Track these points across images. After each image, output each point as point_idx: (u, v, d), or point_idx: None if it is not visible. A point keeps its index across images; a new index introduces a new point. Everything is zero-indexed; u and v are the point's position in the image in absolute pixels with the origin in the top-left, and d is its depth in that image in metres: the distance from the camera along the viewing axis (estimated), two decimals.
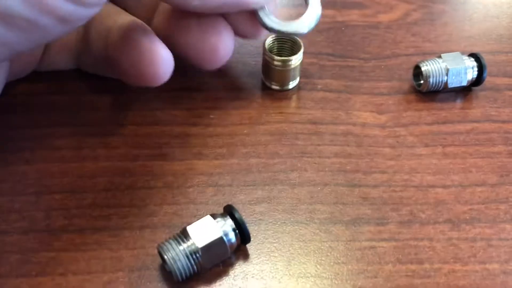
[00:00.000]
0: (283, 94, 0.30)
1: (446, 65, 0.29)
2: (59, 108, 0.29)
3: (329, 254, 0.23)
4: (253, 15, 0.26)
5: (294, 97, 0.30)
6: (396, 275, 0.23)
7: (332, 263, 0.23)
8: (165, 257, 0.21)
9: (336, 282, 0.23)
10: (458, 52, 0.30)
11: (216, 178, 0.26)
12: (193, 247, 0.21)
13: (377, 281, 0.23)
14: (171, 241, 0.22)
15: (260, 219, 0.24)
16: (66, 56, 0.29)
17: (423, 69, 0.29)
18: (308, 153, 0.27)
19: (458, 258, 0.23)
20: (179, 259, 0.21)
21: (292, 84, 0.30)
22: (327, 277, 0.23)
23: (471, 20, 0.36)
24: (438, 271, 0.23)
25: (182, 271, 0.21)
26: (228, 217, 0.22)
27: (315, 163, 0.27)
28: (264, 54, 0.29)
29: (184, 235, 0.22)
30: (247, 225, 0.22)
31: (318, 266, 0.23)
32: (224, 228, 0.22)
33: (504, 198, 0.26)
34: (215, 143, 0.28)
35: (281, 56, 0.29)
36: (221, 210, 0.23)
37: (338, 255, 0.23)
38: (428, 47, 0.34)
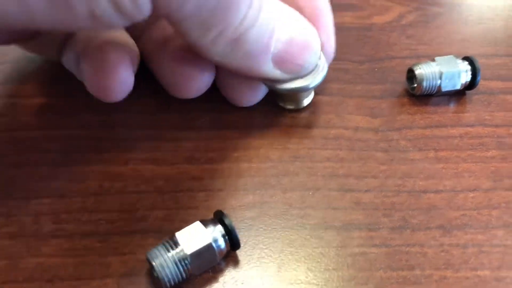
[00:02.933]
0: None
1: (439, 69, 0.29)
2: (49, 111, 0.29)
3: (319, 260, 0.23)
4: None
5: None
6: (387, 282, 0.23)
7: (322, 270, 0.23)
8: (153, 263, 0.21)
9: None
10: (452, 56, 0.30)
11: (207, 183, 0.26)
12: (181, 253, 0.21)
13: (368, 287, 0.22)
14: (159, 247, 0.21)
15: (250, 225, 0.24)
16: (52, 43, 0.28)
17: (416, 72, 0.29)
18: (300, 157, 0.27)
19: (449, 265, 0.23)
20: (167, 266, 0.21)
21: (307, 101, 0.29)
22: (318, 283, 0.22)
23: (466, 22, 0.36)
24: (429, 278, 0.23)
25: (171, 277, 0.21)
26: (218, 223, 0.22)
27: (307, 167, 0.27)
28: None
29: (173, 242, 0.21)
30: (238, 230, 0.22)
31: (309, 273, 0.23)
32: (213, 234, 0.22)
33: (496, 204, 0.25)
34: (207, 147, 0.27)
35: None
36: (211, 215, 0.23)
37: (328, 262, 0.23)
38: (423, 50, 0.33)
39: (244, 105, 0.28)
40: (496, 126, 0.29)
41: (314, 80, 0.26)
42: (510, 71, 0.32)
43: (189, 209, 0.25)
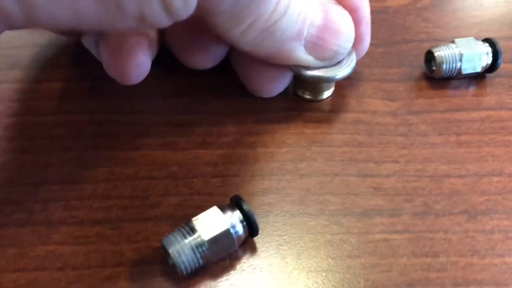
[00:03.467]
0: None
1: (460, 51, 0.28)
2: (58, 96, 0.28)
3: (340, 247, 0.22)
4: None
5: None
6: (411, 269, 0.22)
7: (343, 257, 0.22)
8: (169, 250, 0.20)
9: (349, 276, 0.22)
10: (472, 37, 0.29)
11: (221, 168, 0.25)
12: (199, 239, 0.20)
13: (392, 275, 0.22)
14: (175, 233, 0.21)
15: (268, 211, 0.23)
16: None
17: (436, 54, 0.28)
18: (317, 142, 0.26)
19: (475, 251, 0.22)
20: (184, 252, 0.20)
21: (326, 94, 0.28)
22: (339, 271, 0.22)
23: (482, 5, 0.35)
24: (455, 264, 0.22)
25: (187, 264, 0.20)
26: (235, 208, 0.21)
27: (325, 152, 0.26)
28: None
29: (189, 227, 0.21)
30: (255, 217, 0.21)
31: (330, 260, 0.22)
32: (231, 220, 0.21)
33: None
34: (220, 131, 0.26)
35: None
36: (227, 201, 0.22)
37: (350, 248, 0.22)
38: (439, 33, 0.32)
39: (265, 96, 0.27)
40: None
41: (341, 71, 0.25)
42: None
43: (203, 195, 0.24)
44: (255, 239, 0.22)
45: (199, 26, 0.25)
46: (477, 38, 0.29)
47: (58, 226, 0.23)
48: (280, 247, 0.22)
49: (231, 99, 0.28)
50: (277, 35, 0.22)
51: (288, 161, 0.25)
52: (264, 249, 0.22)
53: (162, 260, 0.22)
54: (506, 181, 0.25)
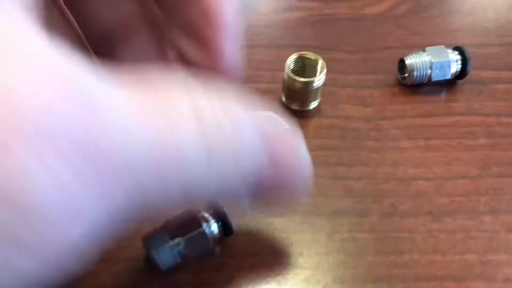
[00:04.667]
0: (268, 87, 0.30)
1: (430, 59, 0.30)
2: None
3: (310, 245, 0.24)
4: None
5: (278, 90, 0.30)
6: (375, 266, 0.23)
7: (313, 255, 0.24)
8: (150, 248, 0.22)
9: (317, 272, 0.23)
10: (442, 46, 0.30)
11: None
12: (176, 240, 0.22)
13: (357, 271, 0.23)
14: (155, 233, 0.22)
15: (243, 212, 0.25)
16: None
17: (407, 62, 0.30)
18: None
19: (437, 249, 0.24)
20: (163, 250, 0.22)
21: (313, 105, 0.29)
22: (308, 267, 0.23)
23: (459, 13, 0.36)
24: (417, 262, 0.23)
25: (166, 262, 0.22)
26: (210, 209, 0.23)
27: None
28: (285, 74, 0.28)
29: (167, 228, 0.22)
30: (230, 217, 0.23)
31: (300, 257, 0.23)
32: (206, 220, 0.22)
33: (484, 190, 0.26)
34: None
35: (302, 76, 0.28)
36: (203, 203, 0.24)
37: (319, 247, 0.24)
38: (415, 40, 0.34)
39: None
40: (486, 115, 0.30)
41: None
42: (501, 60, 0.33)
43: None
44: (231, 238, 0.24)
45: None
46: (448, 46, 0.30)
47: None
48: (255, 246, 0.24)
49: None
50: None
51: None
52: (239, 248, 0.24)
53: (144, 257, 0.23)
54: (470, 184, 0.26)
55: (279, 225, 0.24)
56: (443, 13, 0.36)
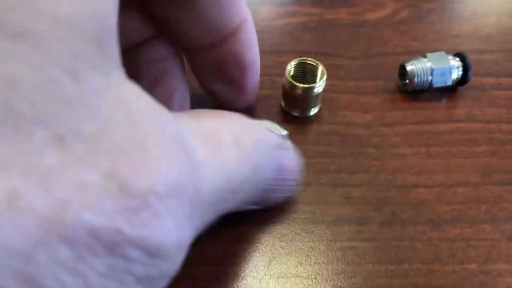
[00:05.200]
0: (268, 93, 0.30)
1: (431, 65, 0.29)
2: None
3: (310, 254, 0.24)
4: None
5: (278, 96, 0.30)
6: (375, 275, 0.23)
7: (312, 263, 0.23)
8: None
9: (316, 282, 0.23)
10: (443, 52, 0.30)
11: None
12: None
13: (357, 281, 0.23)
14: None
15: (241, 219, 0.25)
16: None
17: (408, 69, 0.30)
18: None
19: (437, 258, 0.24)
20: None
21: (313, 111, 0.29)
22: (308, 277, 0.23)
23: (459, 19, 0.36)
24: (417, 271, 0.23)
25: None
26: None
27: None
28: (285, 80, 0.28)
29: None
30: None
31: (299, 266, 0.23)
32: None
33: (485, 198, 0.26)
34: None
35: (303, 82, 0.28)
36: None
37: (319, 255, 0.24)
38: (415, 46, 0.34)
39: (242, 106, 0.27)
40: (487, 121, 0.29)
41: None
42: (502, 67, 0.32)
43: None
44: (229, 246, 0.24)
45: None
46: (449, 52, 0.30)
47: None
48: (252, 254, 0.24)
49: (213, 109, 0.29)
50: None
51: None
52: (237, 256, 0.23)
53: None
54: (470, 191, 0.26)
55: (278, 234, 0.24)
56: (443, 19, 0.36)
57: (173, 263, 0.15)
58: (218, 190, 0.17)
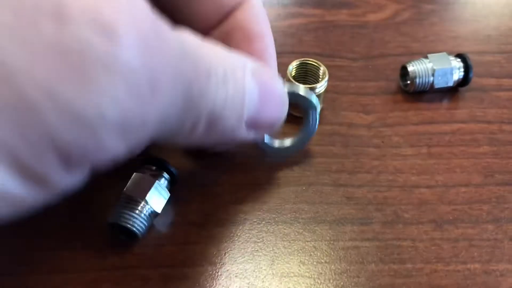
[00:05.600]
0: None
1: (432, 66, 0.29)
2: None
3: (312, 253, 0.24)
4: None
5: None
6: (378, 275, 0.23)
7: (315, 263, 0.23)
8: (122, 221, 0.23)
9: (319, 281, 0.23)
10: (444, 53, 0.30)
11: (201, 178, 0.26)
12: (140, 203, 0.23)
13: (359, 280, 0.23)
14: (118, 208, 0.23)
15: (244, 219, 0.25)
16: None
17: (409, 69, 0.30)
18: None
19: (440, 258, 0.24)
20: (135, 218, 0.23)
21: None
22: (310, 276, 0.23)
23: (460, 20, 0.36)
24: (420, 271, 0.23)
25: (141, 227, 0.23)
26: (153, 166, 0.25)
27: (301, 162, 0.27)
28: (286, 80, 0.28)
29: (125, 198, 0.23)
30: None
31: (302, 266, 0.23)
32: (155, 175, 0.24)
33: (487, 199, 0.26)
34: None
35: (304, 83, 0.28)
36: (205, 209, 0.24)
37: (321, 255, 0.24)
38: (416, 47, 0.34)
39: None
40: (488, 122, 0.29)
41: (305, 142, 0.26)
42: (503, 68, 0.33)
43: (183, 203, 0.25)
44: (232, 245, 0.24)
45: None
46: (451, 53, 0.30)
47: (45, 233, 0.24)
48: (255, 253, 0.24)
49: None
50: (219, 127, 0.20)
51: (266, 171, 0.26)
52: (240, 255, 0.23)
53: (144, 264, 0.23)
54: (472, 192, 0.26)
55: (281, 233, 0.24)
56: (444, 20, 0.36)
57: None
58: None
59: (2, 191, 0.14)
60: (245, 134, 0.22)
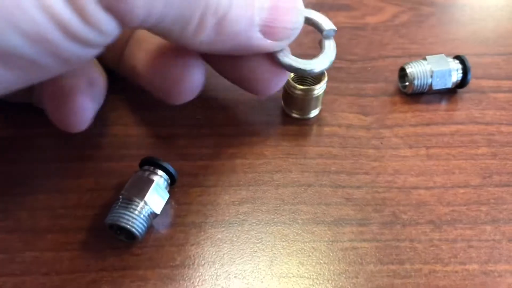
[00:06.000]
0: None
1: (430, 67, 0.30)
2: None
3: (311, 254, 0.24)
4: (270, 57, 0.25)
5: (279, 98, 0.30)
6: (377, 276, 0.23)
7: (314, 264, 0.23)
8: (121, 221, 0.22)
9: (318, 282, 0.23)
10: (442, 54, 0.30)
11: (200, 179, 0.26)
12: (140, 204, 0.23)
13: (358, 281, 0.23)
14: (117, 209, 0.23)
15: (243, 220, 0.25)
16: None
17: (408, 71, 0.30)
18: (293, 154, 0.27)
19: (438, 259, 0.24)
20: (135, 218, 0.23)
21: (313, 113, 0.29)
22: (309, 277, 0.23)
23: (458, 22, 0.36)
24: (419, 272, 0.23)
25: (141, 228, 0.23)
26: (151, 166, 0.24)
27: (300, 164, 0.27)
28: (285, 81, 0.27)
29: (125, 199, 0.23)
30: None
31: (300, 266, 0.23)
32: (155, 174, 0.24)
33: (485, 200, 0.26)
34: (201, 143, 0.28)
35: (303, 84, 0.28)
36: (204, 210, 0.24)
37: (320, 256, 0.24)
38: (415, 49, 0.34)
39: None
40: (487, 124, 0.29)
41: (320, 64, 0.25)
42: (501, 70, 0.33)
43: (183, 204, 0.25)
44: (231, 246, 0.24)
45: (168, 58, 0.24)
46: (449, 55, 0.31)
47: (44, 234, 0.24)
48: (254, 254, 0.24)
49: (213, 113, 0.29)
50: (229, 28, 0.21)
51: (265, 172, 0.27)
52: (238, 256, 0.23)
53: (143, 265, 0.23)
54: (471, 193, 0.26)
55: (279, 234, 0.24)
56: (442, 23, 0.36)
57: None
58: None
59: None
60: (260, 40, 0.22)
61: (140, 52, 0.26)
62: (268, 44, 0.23)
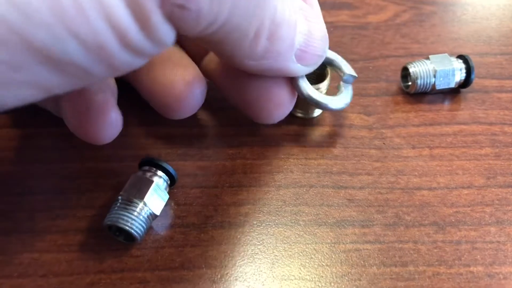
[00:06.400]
0: None
1: (434, 67, 0.29)
2: (44, 109, 0.29)
3: (313, 256, 0.23)
4: (281, 84, 0.25)
5: None
6: (380, 278, 0.23)
7: (316, 266, 0.23)
8: (121, 223, 0.22)
9: (320, 284, 0.22)
10: (446, 54, 0.30)
11: (200, 179, 0.26)
12: (139, 205, 0.23)
13: (361, 283, 0.22)
14: (116, 210, 0.23)
15: (244, 221, 0.24)
16: None
17: (411, 70, 0.29)
18: (294, 155, 0.27)
19: (442, 261, 0.23)
20: (134, 220, 0.22)
21: (317, 112, 0.29)
22: (311, 279, 0.23)
23: (460, 21, 0.36)
24: (422, 274, 0.23)
25: (140, 229, 0.23)
26: (152, 167, 0.24)
27: (301, 164, 0.27)
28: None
29: (124, 200, 0.23)
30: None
31: (302, 269, 0.23)
32: (155, 174, 0.24)
33: (489, 201, 0.26)
34: (201, 143, 0.27)
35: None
36: (204, 211, 0.23)
37: (322, 258, 0.23)
38: (417, 49, 0.34)
39: (270, 122, 0.26)
40: (490, 124, 0.29)
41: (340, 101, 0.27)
42: (504, 69, 0.32)
43: (183, 205, 0.25)
44: (231, 248, 0.23)
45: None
46: (451, 54, 0.30)
47: (42, 235, 0.24)
48: (255, 256, 0.23)
49: (213, 113, 0.29)
50: (275, 46, 0.21)
51: (266, 173, 0.26)
52: (239, 258, 0.23)
53: (142, 268, 0.23)
54: (475, 194, 0.26)
55: (281, 236, 0.24)
56: (444, 22, 0.36)
57: None
58: None
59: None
60: (293, 64, 0.23)
61: (143, 67, 0.25)
62: (297, 68, 0.23)
